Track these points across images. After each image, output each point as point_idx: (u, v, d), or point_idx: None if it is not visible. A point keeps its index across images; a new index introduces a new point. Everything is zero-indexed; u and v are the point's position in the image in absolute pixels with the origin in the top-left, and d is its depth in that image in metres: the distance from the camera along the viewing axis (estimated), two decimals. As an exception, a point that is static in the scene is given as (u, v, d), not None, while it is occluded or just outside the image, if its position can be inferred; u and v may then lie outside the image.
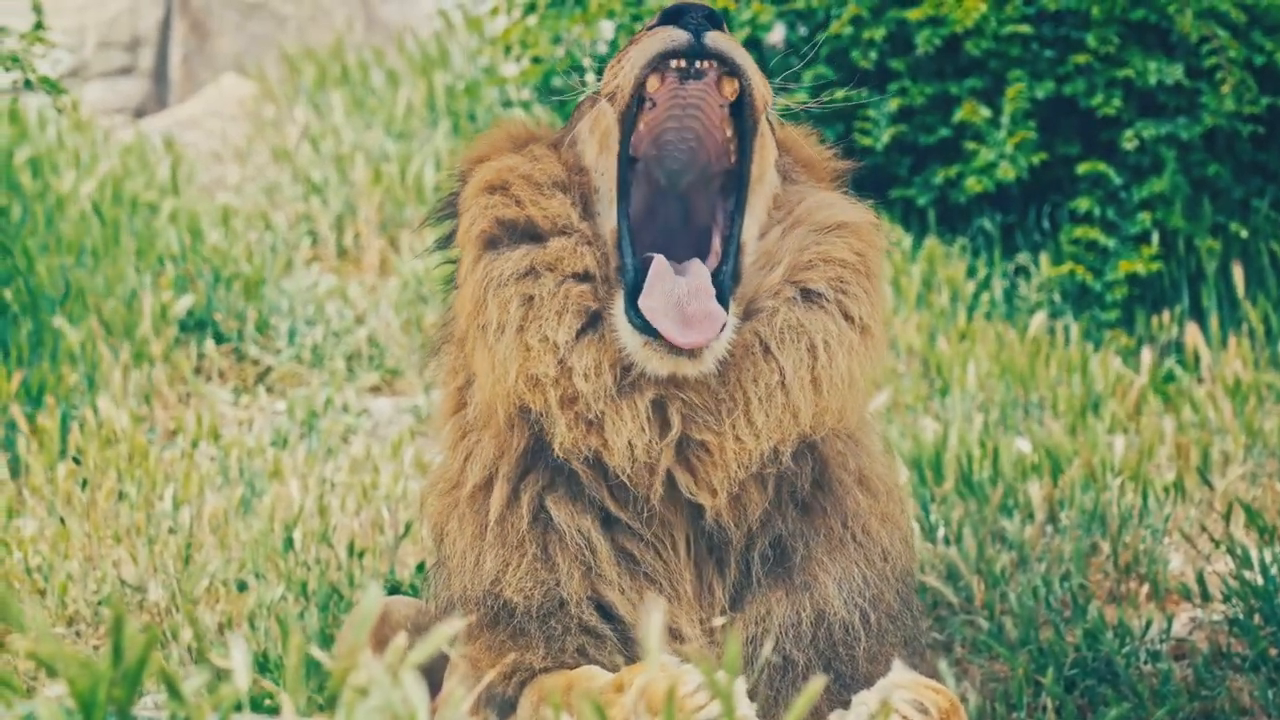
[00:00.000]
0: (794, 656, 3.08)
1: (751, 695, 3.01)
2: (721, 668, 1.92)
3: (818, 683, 1.96)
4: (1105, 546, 4.88)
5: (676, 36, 3.04)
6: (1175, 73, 7.20)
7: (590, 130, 3.20)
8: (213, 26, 12.03)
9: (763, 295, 3.13)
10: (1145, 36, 7.44)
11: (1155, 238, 7.20)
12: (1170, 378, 6.54)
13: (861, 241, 3.21)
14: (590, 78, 8.16)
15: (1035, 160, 7.31)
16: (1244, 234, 7.28)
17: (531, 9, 8.56)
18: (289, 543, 4.71)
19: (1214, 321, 7.04)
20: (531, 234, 3.13)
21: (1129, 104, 7.35)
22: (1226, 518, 4.83)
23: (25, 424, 5.45)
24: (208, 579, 4.61)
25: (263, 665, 4.19)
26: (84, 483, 5.01)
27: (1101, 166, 7.28)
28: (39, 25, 5.63)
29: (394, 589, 4.44)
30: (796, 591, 3.10)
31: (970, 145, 7.40)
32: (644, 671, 2.74)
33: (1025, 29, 7.36)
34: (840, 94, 7.34)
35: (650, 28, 3.11)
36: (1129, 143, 7.23)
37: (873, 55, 7.47)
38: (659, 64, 3.06)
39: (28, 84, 5.59)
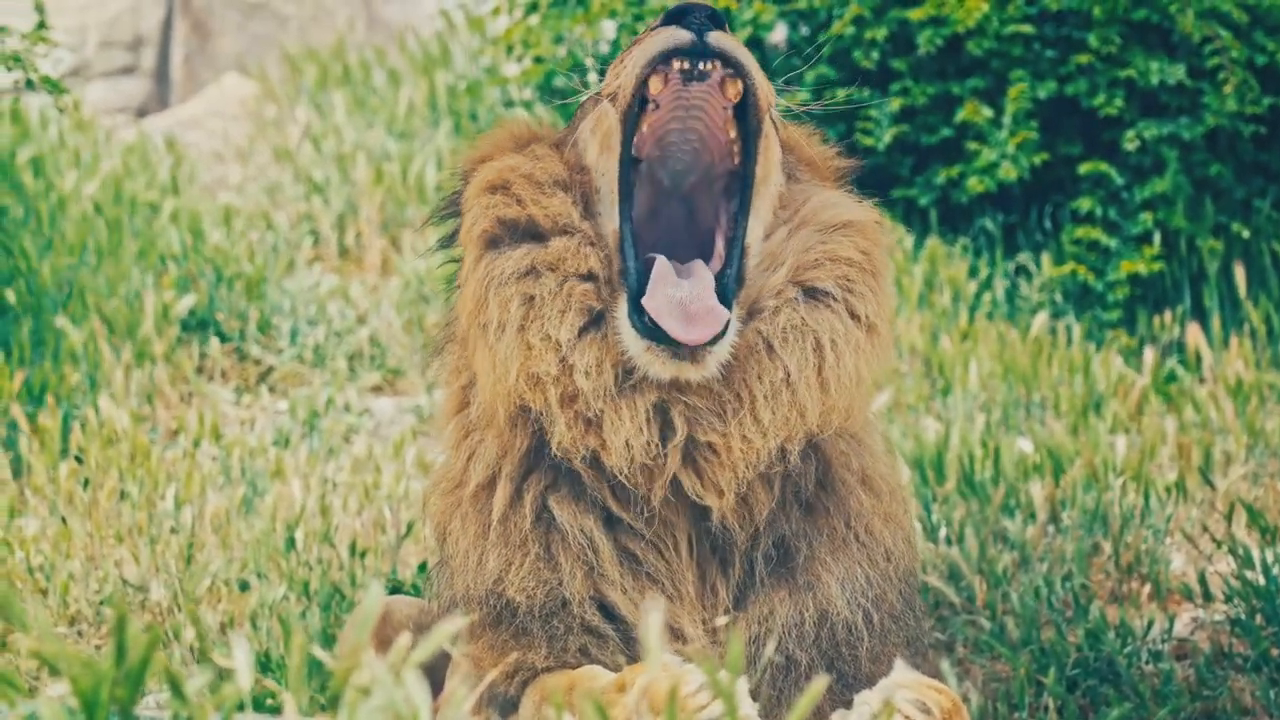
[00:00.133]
0: (797, 656, 3.08)
1: (754, 695, 3.01)
2: (724, 667, 1.92)
3: (820, 682, 1.96)
4: (1107, 546, 4.88)
5: (679, 36, 3.04)
6: (1177, 73, 7.20)
7: (592, 130, 3.19)
8: (214, 26, 12.04)
9: (766, 295, 3.13)
10: (1147, 36, 7.43)
11: (1157, 238, 7.20)
12: (1172, 378, 6.54)
13: (867, 240, 3.21)
14: (592, 77, 8.17)
15: (1037, 160, 7.31)
16: (1246, 234, 7.27)
17: (533, 9, 8.56)
18: (291, 542, 4.71)
19: (1216, 321, 7.04)
20: (533, 233, 3.13)
21: (1131, 104, 7.35)
22: (1228, 518, 4.83)
23: (27, 423, 5.45)
24: (210, 579, 4.61)
25: (264, 665, 4.19)
26: (86, 482, 5.01)
27: (1103, 167, 7.28)
28: (41, 25, 5.63)
29: (396, 589, 4.44)
30: (800, 591, 3.10)
31: (972, 145, 7.40)
32: (646, 671, 2.74)
33: (1027, 29, 7.35)
34: (842, 94, 7.37)
35: (653, 28, 3.11)
36: (1131, 143, 7.23)
37: (875, 55, 7.47)
38: (661, 63, 3.05)
39: (29, 84, 5.59)
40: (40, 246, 6.76)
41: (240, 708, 1.85)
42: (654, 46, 3.06)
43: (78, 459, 5.28)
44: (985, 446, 5.33)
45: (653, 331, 2.99)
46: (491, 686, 3.10)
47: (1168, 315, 7.09)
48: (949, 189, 7.60)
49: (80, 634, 4.53)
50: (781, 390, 3.03)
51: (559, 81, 8.29)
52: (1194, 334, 6.73)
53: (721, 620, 3.07)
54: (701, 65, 3.04)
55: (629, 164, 3.14)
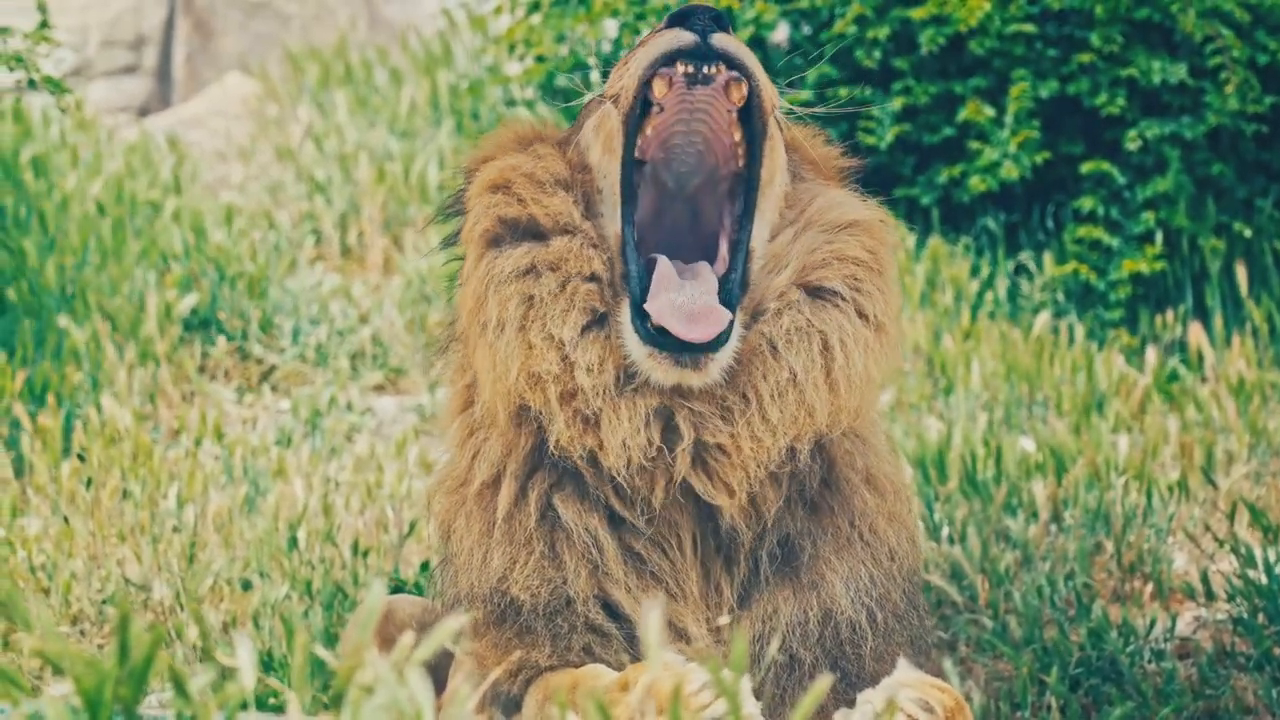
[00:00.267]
0: (800, 655, 3.08)
1: (757, 694, 3.01)
2: (727, 666, 1.92)
3: (824, 681, 1.96)
4: (1109, 546, 4.88)
5: (683, 38, 3.04)
6: (1179, 72, 7.20)
7: (595, 130, 3.19)
8: (216, 25, 12.04)
9: (769, 298, 3.13)
10: (1149, 36, 7.43)
11: (1159, 237, 7.20)
12: (1174, 377, 6.54)
13: (873, 239, 3.21)
14: (595, 76, 8.17)
15: (1039, 159, 7.30)
16: (1248, 233, 7.27)
17: (535, 8, 8.55)
18: (293, 542, 4.71)
19: (1218, 321, 7.04)
20: (534, 232, 3.13)
21: (1133, 103, 7.34)
22: (1230, 517, 4.83)
23: (29, 423, 5.45)
24: (212, 578, 4.61)
25: (267, 664, 4.19)
26: (88, 481, 5.01)
27: (1105, 166, 7.28)
28: (43, 24, 5.63)
29: (398, 588, 4.44)
30: (804, 590, 3.10)
31: (974, 144, 7.40)
32: (649, 670, 2.74)
33: (1029, 28, 7.35)
34: (844, 92, 7.37)
35: (658, 30, 3.11)
36: (1133, 142, 7.23)
37: (877, 54, 7.47)
38: (665, 65, 3.05)
39: (32, 84, 5.59)
40: (42, 246, 6.76)
41: (244, 707, 1.85)
42: (657, 49, 3.06)
43: (80, 458, 5.29)
44: (987, 445, 5.33)
45: (655, 338, 2.99)
46: (495, 685, 3.10)
47: (1170, 314, 7.09)
48: (951, 188, 7.60)
49: (83, 633, 4.54)
50: (788, 390, 3.03)
51: (561, 80, 8.29)
52: (1196, 333, 6.73)
53: (725, 619, 3.07)
54: (706, 69, 3.03)
55: (631, 167, 3.13)
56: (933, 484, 5.21)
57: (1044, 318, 6.74)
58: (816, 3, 7.69)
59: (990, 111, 7.34)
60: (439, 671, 3.45)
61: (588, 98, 3.34)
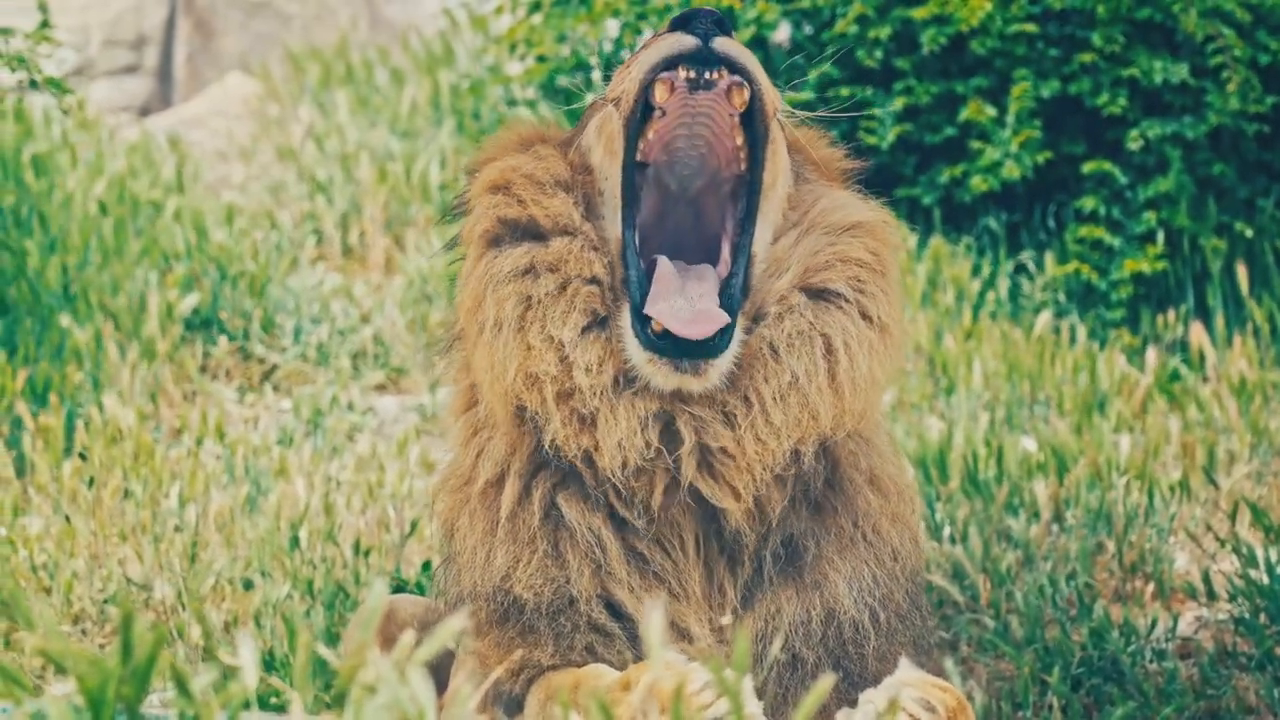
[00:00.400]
0: (803, 655, 3.08)
1: (760, 693, 3.02)
2: (729, 666, 1.92)
3: (826, 681, 1.96)
4: (1111, 545, 4.88)
5: (684, 42, 3.04)
6: (1180, 72, 7.20)
7: (598, 132, 3.19)
8: (217, 25, 12.04)
9: (770, 301, 3.12)
10: (1150, 35, 7.43)
11: (1160, 237, 7.20)
12: (1175, 377, 6.54)
13: (876, 240, 3.20)
14: (596, 76, 8.16)
15: (1040, 159, 7.30)
16: (1249, 233, 7.27)
17: (536, 8, 8.55)
18: (295, 541, 4.71)
19: (1219, 320, 7.04)
20: (534, 233, 3.13)
21: (1134, 103, 7.34)
22: (1232, 517, 4.83)
23: (31, 422, 5.45)
24: (214, 577, 4.61)
25: (269, 663, 4.19)
26: (90, 481, 5.01)
27: (1107, 165, 7.28)
28: (45, 24, 5.63)
29: (400, 588, 4.44)
30: (807, 590, 3.10)
31: (975, 144, 7.40)
32: (651, 670, 2.74)
33: (1031, 28, 7.35)
34: (845, 92, 7.37)
35: (660, 34, 3.11)
36: (1134, 142, 7.23)
37: (878, 54, 7.47)
38: (666, 69, 3.05)
39: (33, 84, 5.59)
40: (44, 245, 6.76)
41: (246, 706, 1.85)
42: (659, 53, 3.06)
43: (81, 457, 5.29)
44: (989, 445, 5.33)
45: (655, 344, 2.98)
46: (497, 684, 3.10)
47: (1171, 314, 7.09)
48: (952, 188, 7.60)
49: (84, 632, 4.54)
50: (790, 393, 3.03)
51: (562, 80, 8.29)
52: (1197, 333, 6.73)
53: (727, 618, 3.07)
54: (708, 74, 3.03)
55: (632, 170, 3.13)
56: (934, 484, 5.21)
57: (1045, 317, 6.73)
58: (818, 2, 7.68)
59: (992, 111, 7.34)
60: (441, 671, 3.46)
61: (590, 99, 3.34)
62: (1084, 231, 7.27)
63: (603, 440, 3.00)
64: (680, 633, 3.07)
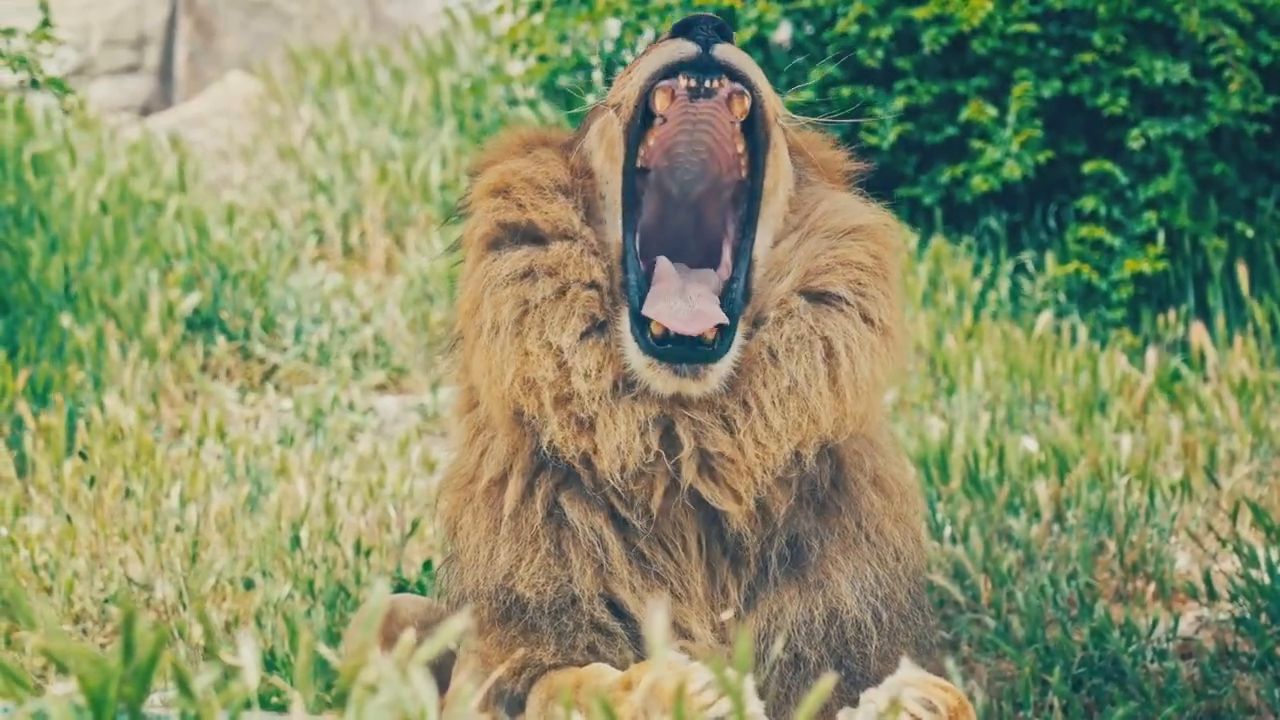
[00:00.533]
0: (805, 654, 3.08)
1: (762, 693, 3.02)
2: (731, 665, 1.92)
3: (828, 680, 1.96)
4: (1112, 545, 4.88)
5: (685, 49, 3.03)
6: (1181, 72, 7.20)
7: (599, 137, 3.19)
8: (218, 25, 12.04)
9: (770, 305, 3.12)
10: (1152, 35, 7.43)
11: (1161, 237, 7.20)
12: (1176, 377, 6.54)
13: (877, 244, 3.20)
14: (597, 75, 8.15)
15: (1041, 159, 7.30)
16: (1249, 233, 7.27)
17: (537, 7, 8.56)
18: (296, 541, 4.72)
19: (1220, 320, 7.04)
20: (533, 236, 3.13)
21: (1135, 103, 7.34)
22: (1233, 517, 4.83)
23: (32, 421, 5.46)
24: (214, 577, 4.61)
25: (270, 663, 4.19)
26: (91, 480, 5.01)
27: (1107, 165, 7.28)
28: (46, 23, 5.63)
29: (401, 587, 4.44)
30: (810, 590, 3.10)
31: (976, 144, 7.40)
32: (652, 669, 2.74)
33: (1032, 28, 7.35)
34: (846, 92, 7.37)
35: (661, 40, 3.11)
36: (1135, 142, 7.23)
37: (879, 54, 7.47)
38: (666, 77, 3.04)
39: (35, 84, 5.60)
40: (45, 245, 6.76)
41: (247, 705, 1.85)
42: (659, 60, 3.05)
43: (82, 456, 5.29)
44: (990, 445, 5.33)
45: (654, 348, 2.98)
46: (499, 683, 3.10)
47: (1172, 314, 7.09)
48: (953, 188, 7.60)
49: (85, 632, 4.54)
50: (789, 397, 3.03)
51: (563, 80, 8.29)
52: (1198, 333, 6.73)
53: (726, 614, 3.07)
54: (708, 82, 3.02)
55: (632, 176, 3.13)
56: (935, 484, 5.21)
57: (1046, 317, 6.74)
58: (819, 2, 7.69)
59: (992, 111, 7.34)
60: (442, 670, 3.46)
61: (592, 101, 3.34)
62: (1085, 231, 7.27)
63: (601, 444, 3.00)
64: (682, 632, 3.07)
